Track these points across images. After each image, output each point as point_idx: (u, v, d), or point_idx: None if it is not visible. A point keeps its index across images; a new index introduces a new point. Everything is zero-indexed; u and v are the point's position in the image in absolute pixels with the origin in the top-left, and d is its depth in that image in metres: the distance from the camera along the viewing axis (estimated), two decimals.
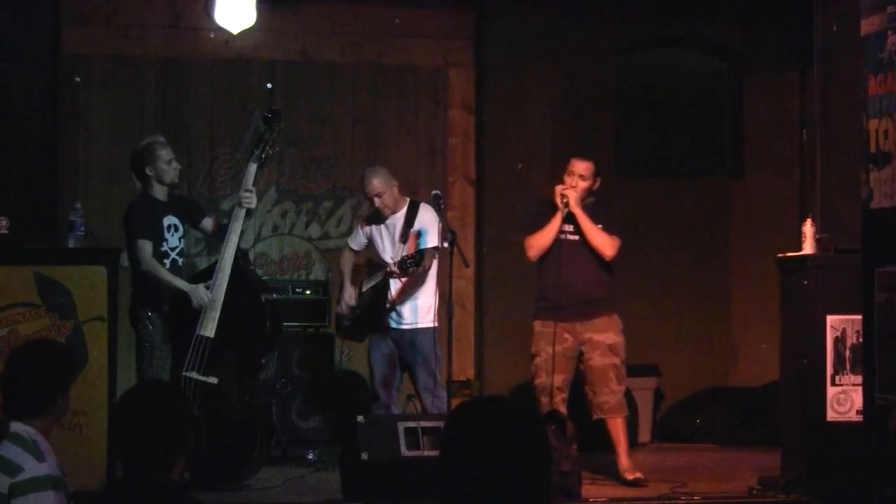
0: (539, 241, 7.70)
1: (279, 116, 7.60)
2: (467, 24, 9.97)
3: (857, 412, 6.77)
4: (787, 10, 9.50)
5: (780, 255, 7.57)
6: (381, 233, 7.93)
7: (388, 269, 7.71)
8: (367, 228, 8.02)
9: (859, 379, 6.64)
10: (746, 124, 10.40)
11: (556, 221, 7.65)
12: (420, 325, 7.81)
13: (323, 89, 9.77)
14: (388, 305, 7.83)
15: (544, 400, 7.66)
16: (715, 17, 10.20)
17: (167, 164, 7.38)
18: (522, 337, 9.72)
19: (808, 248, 7.27)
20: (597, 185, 7.75)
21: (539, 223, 7.73)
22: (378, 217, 7.94)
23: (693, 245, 10.21)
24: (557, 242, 7.65)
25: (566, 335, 7.65)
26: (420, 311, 7.81)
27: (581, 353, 7.70)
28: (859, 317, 6.36)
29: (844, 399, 7.08)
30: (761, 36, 10.19)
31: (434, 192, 7.66)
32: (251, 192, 7.42)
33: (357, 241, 8.10)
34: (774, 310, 7.68)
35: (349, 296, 7.98)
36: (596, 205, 7.77)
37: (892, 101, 5.86)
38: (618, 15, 9.95)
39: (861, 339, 6.53)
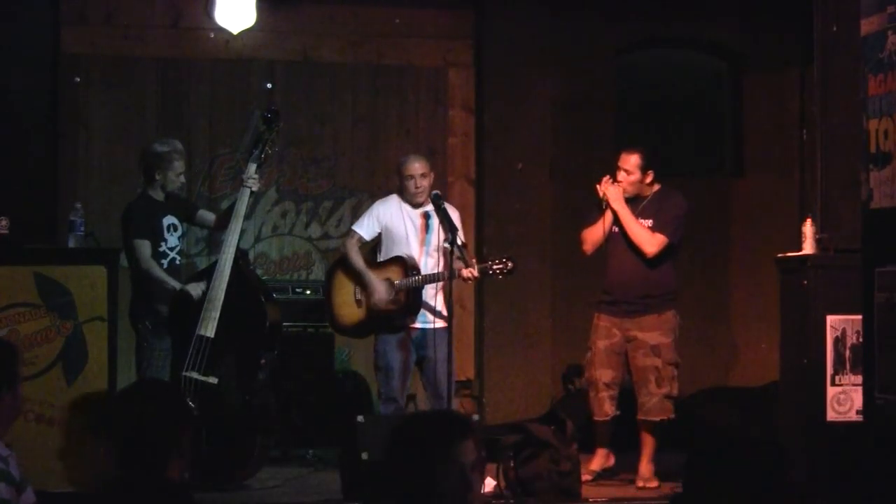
0: (590, 236, 7.70)
1: (278, 116, 7.61)
2: (467, 24, 9.97)
3: (857, 412, 6.77)
4: (787, 10, 9.50)
5: (780, 255, 7.57)
6: (404, 224, 7.62)
7: (469, 275, 7.35)
8: (384, 218, 7.65)
9: (859, 379, 6.64)
10: (746, 124, 10.39)
11: (602, 219, 7.61)
12: (444, 325, 7.56)
13: (323, 89, 9.77)
14: (419, 307, 7.55)
15: (591, 394, 7.66)
16: (715, 17, 10.19)
17: (176, 176, 7.46)
18: (522, 337, 9.75)
19: (808, 248, 7.27)
20: (649, 178, 7.65)
21: (592, 216, 7.71)
22: (400, 208, 7.67)
23: (693, 245, 10.19)
24: (611, 237, 7.62)
25: (615, 330, 7.62)
26: (444, 309, 7.57)
27: (627, 351, 7.65)
28: (859, 317, 6.36)
29: (844, 399, 7.08)
30: (761, 36, 10.19)
31: (434, 191, 7.63)
32: (255, 177, 7.43)
33: (370, 230, 7.68)
34: (774, 310, 7.68)
35: (383, 290, 7.57)
36: (655, 198, 7.69)
37: (892, 101, 5.86)
38: (618, 15, 9.94)
39: (861, 339, 6.52)
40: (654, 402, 7.57)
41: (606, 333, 7.62)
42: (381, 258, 7.71)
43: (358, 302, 7.70)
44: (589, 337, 7.75)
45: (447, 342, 7.52)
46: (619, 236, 7.63)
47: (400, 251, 7.61)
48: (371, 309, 7.62)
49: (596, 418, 7.64)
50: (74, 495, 6.54)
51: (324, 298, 7.98)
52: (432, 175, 7.75)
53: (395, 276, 7.57)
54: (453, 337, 7.59)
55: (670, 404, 7.61)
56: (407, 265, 7.56)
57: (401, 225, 7.63)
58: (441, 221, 7.38)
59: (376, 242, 7.76)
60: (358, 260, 7.67)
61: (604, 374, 7.60)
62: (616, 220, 7.62)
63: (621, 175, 7.62)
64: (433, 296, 7.55)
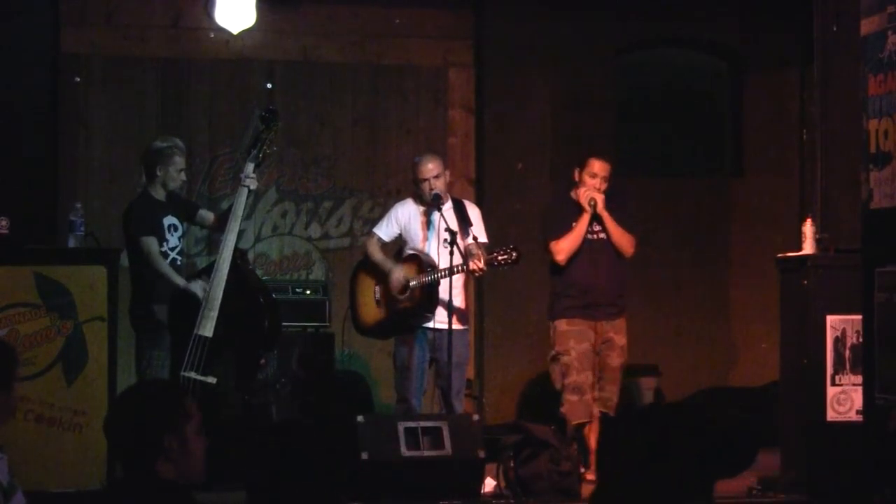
0: (570, 245, 7.76)
1: (276, 116, 7.58)
2: (467, 24, 9.97)
3: (857, 412, 6.77)
4: (786, 10, 9.50)
5: (780, 255, 7.57)
6: (422, 224, 7.67)
7: (476, 267, 7.36)
8: (402, 219, 7.72)
9: (859, 379, 6.64)
10: (746, 124, 10.39)
11: (583, 224, 7.73)
12: (462, 326, 7.60)
13: (323, 89, 9.77)
14: (435, 304, 7.54)
15: (574, 398, 7.69)
16: (714, 17, 10.20)
17: (177, 173, 7.44)
18: (522, 337, 9.75)
19: (808, 248, 7.27)
20: None
21: (559, 226, 7.76)
22: (417, 209, 7.70)
23: (693, 245, 10.20)
24: (587, 242, 7.75)
25: (590, 333, 7.74)
26: (461, 311, 7.61)
27: (599, 352, 7.78)
28: (859, 317, 6.36)
29: (844, 399, 7.08)
30: (761, 36, 10.19)
31: (434, 192, 7.63)
32: (253, 176, 7.42)
33: (390, 231, 7.76)
34: (774, 310, 7.68)
35: (402, 274, 7.59)
36: (608, 203, 7.82)
37: (892, 101, 5.85)
38: (618, 15, 9.95)
39: (861, 339, 6.53)
40: (618, 400, 7.79)
41: (583, 337, 7.72)
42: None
43: (377, 302, 7.76)
44: (555, 344, 7.80)
45: (464, 344, 7.63)
46: (600, 241, 7.76)
47: (414, 249, 7.68)
48: (389, 302, 7.66)
49: (583, 420, 7.68)
50: (74, 495, 6.53)
51: (348, 301, 8.04)
52: (447, 174, 7.77)
53: (411, 273, 7.63)
54: (466, 338, 7.69)
55: None
56: (422, 262, 7.59)
57: (418, 226, 7.69)
58: (440, 220, 7.46)
59: (400, 244, 7.82)
60: (377, 253, 7.77)
61: (588, 377, 7.71)
62: (600, 224, 7.75)
63: (598, 182, 7.73)
64: (455, 297, 7.46)
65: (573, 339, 7.71)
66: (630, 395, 8.94)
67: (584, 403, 7.68)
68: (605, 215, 7.72)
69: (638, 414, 2.80)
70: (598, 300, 7.73)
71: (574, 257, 7.75)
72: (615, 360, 7.77)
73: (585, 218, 7.72)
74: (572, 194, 7.82)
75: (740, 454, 2.72)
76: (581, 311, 7.72)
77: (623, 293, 7.87)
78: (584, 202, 7.71)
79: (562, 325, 7.79)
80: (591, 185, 7.72)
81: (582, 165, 7.79)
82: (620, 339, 7.79)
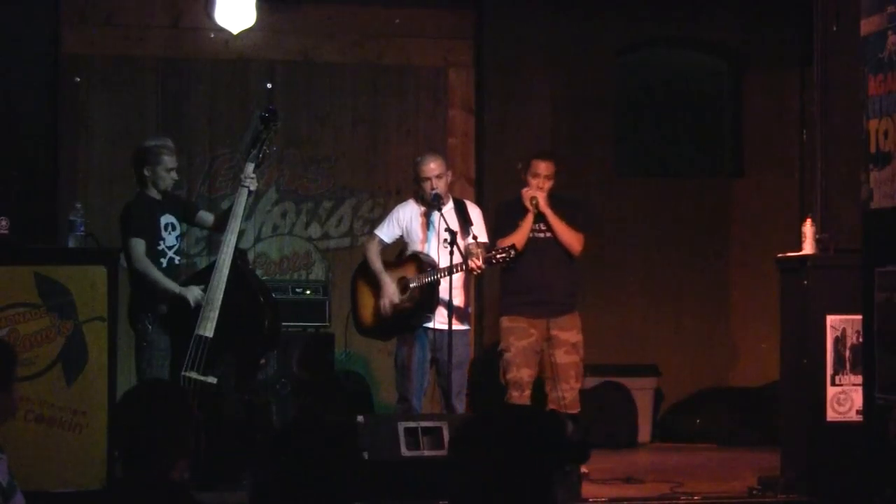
0: (513, 243, 7.75)
1: (276, 116, 7.56)
2: (467, 24, 9.97)
3: (857, 412, 6.78)
4: (787, 9, 9.51)
5: (780, 255, 7.58)
6: (422, 225, 7.68)
7: (475, 266, 7.38)
8: (404, 221, 7.73)
9: (859, 379, 6.65)
10: (746, 124, 10.40)
11: (527, 223, 7.79)
12: (462, 326, 7.62)
13: (323, 89, 9.77)
14: (435, 304, 7.55)
15: (515, 394, 7.76)
16: (715, 16, 10.20)
17: (166, 172, 7.33)
18: None
19: (808, 248, 7.27)
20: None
21: (505, 226, 7.79)
22: (417, 209, 7.71)
23: (693, 245, 10.20)
24: (532, 241, 7.79)
25: (532, 330, 7.78)
26: (462, 311, 7.63)
27: (543, 349, 7.80)
28: (859, 317, 6.36)
29: (844, 399, 7.08)
30: (761, 36, 10.20)
31: (434, 191, 7.63)
32: (252, 177, 7.39)
33: (391, 232, 7.77)
34: (774, 310, 7.69)
35: (393, 292, 7.63)
36: (562, 202, 7.88)
37: (892, 101, 5.86)
38: (618, 15, 9.95)
39: (861, 339, 6.53)
40: (574, 396, 7.80)
41: (524, 334, 7.77)
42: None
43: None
44: (500, 341, 7.86)
45: (464, 344, 7.65)
46: (544, 239, 7.81)
47: (415, 251, 7.68)
48: (382, 310, 7.66)
49: None
50: (74, 495, 6.54)
51: (349, 302, 8.04)
52: (449, 174, 7.78)
53: (411, 273, 7.64)
54: (466, 338, 7.71)
55: (578, 398, 7.89)
56: (422, 262, 7.61)
57: (418, 226, 7.69)
58: (440, 220, 7.46)
59: (402, 246, 7.83)
60: (375, 261, 7.76)
61: (525, 374, 7.75)
62: (545, 223, 7.79)
63: (540, 182, 7.81)
64: (456, 297, 7.45)
65: (513, 335, 7.77)
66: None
67: (522, 401, 7.73)
68: (549, 213, 7.77)
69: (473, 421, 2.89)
70: (543, 298, 7.77)
71: (521, 255, 7.77)
72: (562, 357, 7.75)
73: (529, 217, 7.77)
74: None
75: (572, 450, 2.81)
76: (525, 308, 7.78)
77: (573, 292, 7.89)
78: (527, 201, 7.77)
79: (504, 321, 7.88)
80: (534, 184, 7.82)
81: (526, 167, 7.87)
82: (571, 336, 7.79)
